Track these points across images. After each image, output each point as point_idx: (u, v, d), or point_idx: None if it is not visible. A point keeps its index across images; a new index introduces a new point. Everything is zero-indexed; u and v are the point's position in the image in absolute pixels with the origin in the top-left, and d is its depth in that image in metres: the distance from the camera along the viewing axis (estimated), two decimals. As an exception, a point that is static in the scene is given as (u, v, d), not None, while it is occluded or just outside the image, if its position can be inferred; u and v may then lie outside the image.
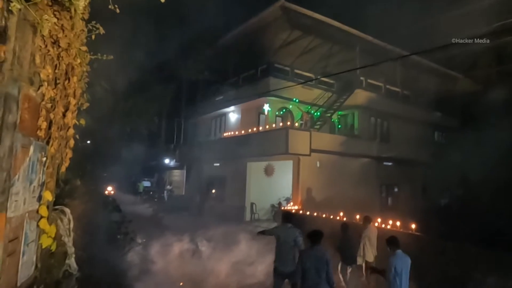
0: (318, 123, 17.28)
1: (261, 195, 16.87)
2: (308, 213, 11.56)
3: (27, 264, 2.94)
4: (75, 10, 2.80)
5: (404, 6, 19.19)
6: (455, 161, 17.05)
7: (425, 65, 19.96)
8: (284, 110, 17.92)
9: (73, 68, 3.45)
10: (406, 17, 19.28)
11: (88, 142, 8.34)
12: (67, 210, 5.05)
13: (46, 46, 2.77)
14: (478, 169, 15.75)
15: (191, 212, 19.06)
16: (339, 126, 19.39)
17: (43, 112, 2.92)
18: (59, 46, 2.98)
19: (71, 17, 2.89)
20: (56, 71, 3.12)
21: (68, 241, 4.80)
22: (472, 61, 20.91)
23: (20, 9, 2.14)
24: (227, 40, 19.36)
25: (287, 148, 13.71)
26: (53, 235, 3.20)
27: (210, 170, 20.35)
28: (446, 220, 13.15)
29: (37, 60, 2.65)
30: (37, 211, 3.06)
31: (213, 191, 19.70)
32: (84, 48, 3.62)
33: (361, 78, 18.48)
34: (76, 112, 3.81)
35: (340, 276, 7.41)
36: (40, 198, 3.11)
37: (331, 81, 18.74)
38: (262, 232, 6.50)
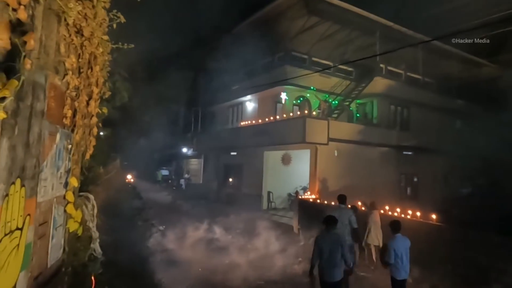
0: (336, 111, 17.02)
1: (278, 184, 16.89)
2: (325, 202, 11.52)
3: (56, 247, 3.06)
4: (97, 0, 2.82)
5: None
6: (478, 150, 16.53)
7: (448, 51, 19.23)
8: (301, 98, 17.73)
9: (95, 57, 3.50)
10: (427, 1, 18.55)
11: (109, 130, 8.52)
12: (91, 197, 5.21)
13: (70, 35, 2.81)
14: (501, 158, 15.26)
15: (208, 200, 19.33)
16: (358, 115, 19.05)
17: (68, 101, 3.00)
18: (82, 35, 3.03)
19: (93, 6, 2.92)
20: (80, 60, 3.18)
21: (93, 226, 4.97)
22: (497, 46, 19.99)
23: (45, -1, 2.17)
24: (243, 27, 19.19)
25: (305, 137, 13.60)
26: (79, 220, 3.32)
27: (227, 159, 20.49)
28: (468, 209, 12.86)
29: (62, 49, 2.71)
30: (64, 197, 3.17)
31: (230, 179, 19.88)
32: (106, 37, 3.66)
33: (381, 65, 17.98)
34: (98, 101, 3.89)
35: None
36: (66, 184, 3.22)
37: (350, 69, 18.35)
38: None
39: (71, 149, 3.24)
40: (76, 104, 3.15)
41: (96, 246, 4.78)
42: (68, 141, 3.18)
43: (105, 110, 4.07)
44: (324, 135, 14.04)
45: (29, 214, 2.29)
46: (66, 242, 3.38)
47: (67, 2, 2.39)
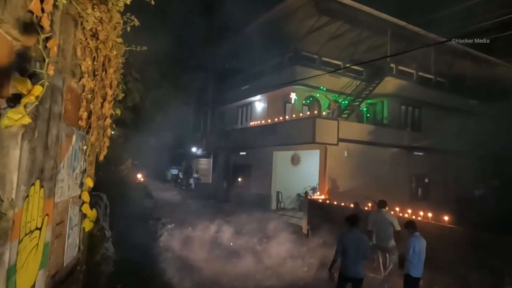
0: (346, 112, 16.92)
1: (287, 184, 16.88)
2: (335, 202, 11.48)
3: (71, 246, 3.13)
4: (112, 3, 2.87)
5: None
6: (491, 150, 16.25)
7: (461, 50, 18.95)
8: (311, 98, 17.68)
9: (109, 59, 3.56)
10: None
11: (120, 130, 8.63)
12: (104, 196, 5.30)
13: (86, 39, 2.87)
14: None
15: (217, 199, 19.42)
16: (368, 115, 18.91)
17: (84, 103, 3.05)
18: (97, 39, 3.08)
19: (108, 10, 2.97)
20: (95, 63, 3.23)
21: (106, 225, 5.06)
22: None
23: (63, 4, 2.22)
24: (253, 28, 19.20)
25: (314, 137, 13.57)
26: (94, 219, 3.38)
27: (236, 159, 20.55)
28: (481, 210, 12.66)
29: (78, 52, 2.76)
30: (80, 197, 3.23)
31: (239, 179, 19.93)
32: (120, 40, 3.72)
33: (392, 65, 17.82)
34: (112, 103, 3.95)
35: None
36: (81, 184, 3.28)
37: (360, 69, 18.22)
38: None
39: (86, 150, 3.31)
40: (91, 106, 3.21)
41: (109, 245, 4.86)
42: (83, 142, 3.25)
43: (118, 111, 4.13)
44: (334, 136, 13.99)
45: (47, 214, 2.35)
46: (81, 241, 3.45)
47: (85, 7, 2.44)
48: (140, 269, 5.45)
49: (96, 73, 3.31)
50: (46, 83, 1.66)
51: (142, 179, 22.15)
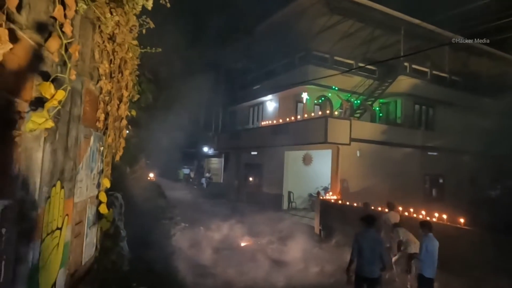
0: (359, 111, 16.76)
1: (298, 184, 16.83)
2: (347, 203, 11.39)
3: (89, 245, 3.19)
4: (130, 6, 2.91)
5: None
6: (508, 150, 15.85)
7: (476, 48, 18.54)
8: (322, 98, 17.57)
9: (125, 62, 3.61)
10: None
11: (134, 130, 8.73)
12: (119, 196, 5.37)
13: (103, 42, 2.92)
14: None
15: (229, 199, 19.50)
16: (381, 114, 18.69)
17: (101, 105, 3.11)
18: (114, 42, 3.13)
19: (125, 13, 3.02)
20: (112, 65, 3.29)
21: (121, 224, 5.14)
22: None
23: (83, 8, 2.27)
24: (264, 27, 19.20)
25: (326, 137, 13.48)
26: (111, 219, 3.44)
27: (247, 158, 20.58)
28: (497, 212, 12.37)
29: (96, 55, 2.82)
30: (97, 197, 3.29)
31: (251, 179, 19.96)
32: (135, 42, 3.77)
33: (405, 63, 17.57)
34: (128, 104, 4.01)
35: None
36: (99, 185, 3.34)
37: (373, 67, 18.02)
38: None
39: (103, 151, 3.37)
40: (108, 107, 3.27)
41: (124, 244, 4.94)
42: (101, 143, 3.31)
43: (133, 112, 4.19)
44: (346, 135, 13.87)
45: (67, 214, 2.40)
46: (98, 240, 3.51)
47: (101, 11, 2.48)
48: (154, 267, 5.52)
49: (113, 75, 3.37)
50: (68, 88, 1.70)
51: (154, 178, 22.40)
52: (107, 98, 3.15)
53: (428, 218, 8.20)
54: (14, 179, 1.60)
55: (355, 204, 10.66)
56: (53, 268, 2.17)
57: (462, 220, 7.62)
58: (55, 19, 1.70)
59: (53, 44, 1.62)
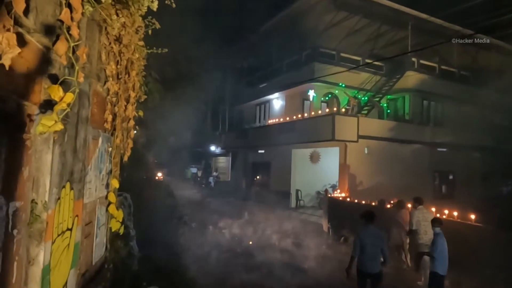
0: (366, 108, 16.64)
1: (306, 181, 16.79)
2: (356, 200, 11.32)
3: (99, 245, 3.22)
4: (135, 7, 2.92)
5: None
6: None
7: (486, 42, 18.23)
8: (329, 95, 17.48)
9: (132, 62, 3.63)
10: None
11: (142, 131, 8.80)
12: (128, 196, 5.43)
13: (110, 43, 2.94)
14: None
15: (237, 197, 19.53)
16: (389, 111, 18.52)
17: (109, 106, 3.13)
18: (121, 43, 3.15)
19: (131, 14, 3.03)
20: (118, 66, 3.30)
21: (130, 224, 5.19)
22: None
23: (89, 10, 2.28)
24: (271, 25, 19.16)
25: (334, 135, 13.42)
26: (120, 219, 3.46)
27: (255, 157, 20.59)
28: (509, 209, 12.17)
29: (103, 57, 2.83)
30: (106, 197, 3.33)
31: (258, 177, 19.96)
32: (141, 43, 3.79)
33: (413, 59, 17.38)
34: (135, 104, 4.03)
35: None
36: (107, 185, 3.37)
37: (380, 64, 17.85)
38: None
39: (111, 152, 3.39)
40: (115, 108, 3.29)
41: (133, 243, 4.99)
42: (109, 144, 3.33)
43: (141, 113, 4.21)
44: (354, 132, 13.79)
45: (77, 215, 2.43)
46: (108, 240, 3.55)
47: (107, 13, 2.50)
48: (164, 266, 5.56)
49: (120, 76, 3.39)
50: (77, 90, 1.71)
51: (162, 178, 22.57)
52: (114, 99, 3.17)
53: (438, 215, 8.11)
54: (25, 181, 1.62)
55: (363, 202, 10.60)
56: (64, 268, 2.19)
57: (473, 217, 7.52)
58: (62, 22, 1.71)
59: (61, 47, 1.63)
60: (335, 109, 15.77)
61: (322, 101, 17.24)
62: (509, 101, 19.15)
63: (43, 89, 1.75)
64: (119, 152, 3.64)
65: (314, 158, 17.28)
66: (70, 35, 1.71)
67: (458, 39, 15.10)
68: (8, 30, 1.31)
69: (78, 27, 2.19)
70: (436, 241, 5.61)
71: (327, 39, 17.22)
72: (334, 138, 13.43)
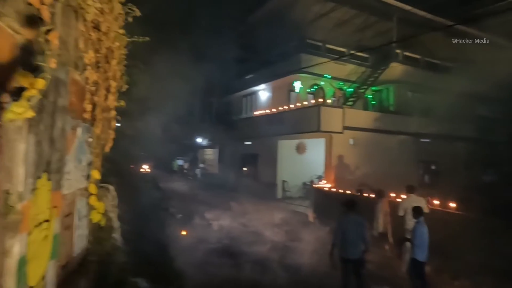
0: (351, 99, 16.77)
1: (293, 173, 16.89)
2: (341, 190, 11.48)
3: (81, 237, 3.18)
4: (113, -6, 2.84)
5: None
6: (502, 135, 16.02)
7: (469, 33, 18.54)
8: (315, 87, 17.53)
9: (112, 51, 3.55)
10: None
11: (127, 122, 8.66)
12: (111, 188, 5.34)
13: (88, 30, 2.86)
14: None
15: (224, 189, 19.53)
16: (374, 102, 18.72)
17: (88, 95, 3.06)
18: (100, 30, 3.07)
19: (109, 1, 2.95)
20: (98, 55, 3.23)
21: (114, 216, 5.12)
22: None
23: (64, -5, 2.21)
24: (258, 16, 19.00)
25: (319, 126, 13.50)
26: (102, 211, 3.42)
27: (242, 149, 20.58)
28: (491, 197, 12.54)
29: (81, 44, 2.75)
30: (87, 189, 3.27)
31: (245, 169, 19.99)
32: (122, 31, 3.70)
33: (397, 50, 17.54)
34: (116, 94, 3.95)
35: None
36: (88, 176, 3.32)
37: (365, 55, 17.96)
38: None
39: (92, 142, 3.33)
40: (95, 98, 3.22)
41: (118, 236, 4.93)
42: (89, 134, 3.27)
43: (122, 103, 4.14)
44: (339, 124, 13.91)
45: (55, 206, 2.38)
46: (90, 232, 3.50)
47: (85, -2, 2.42)
48: (151, 258, 5.54)
49: (99, 65, 3.31)
50: (49, 76, 1.66)
51: (149, 170, 22.37)
52: (93, 88, 3.10)
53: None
54: (-4, 171, 1.57)
55: (348, 192, 10.75)
56: (42, 260, 2.16)
57: (453, 205, 7.72)
58: (32, 5, 1.65)
59: (31, 31, 1.57)
60: (320, 100, 15.83)
61: (308, 93, 17.29)
62: (491, 92, 19.62)
63: (16, 76, 1.69)
64: (100, 143, 3.57)
65: (300, 149, 17.39)
66: (41, 19, 1.65)
67: (440, 30, 15.27)
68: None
69: (53, 13, 2.12)
70: (417, 228, 5.78)
71: (314, 30, 17.19)
72: (319, 129, 13.52)
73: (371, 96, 18.65)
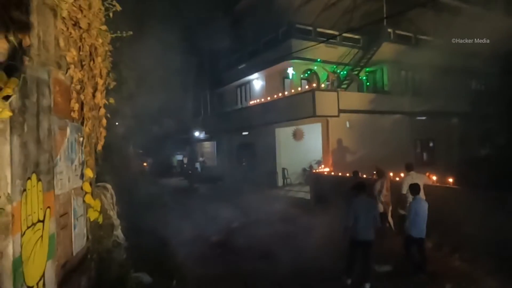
0: (345, 82, 16.69)
1: (292, 159, 16.92)
2: (340, 174, 11.53)
3: (79, 236, 3.19)
4: (90, -11, 2.80)
5: None
6: (495, 109, 16.06)
7: (458, 7, 18.41)
8: (309, 72, 17.42)
9: (96, 48, 3.51)
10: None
11: (120, 120, 8.62)
12: (109, 186, 5.35)
13: (68, 28, 2.82)
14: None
15: (224, 181, 19.60)
16: (368, 84, 18.65)
17: (74, 94, 3.04)
18: (80, 28, 3.03)
19: (87, -3, 2.91)
20: (81, 53, 3.19)
21: (113, 214, 5.14)
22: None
23: (38, -7, 2.17)
24: (246, 3, 18.77)
25: (315, 111, 13.45)
26: (98, 209, 3.43)
27: (239, 139, 20.56)
28: (486, 170, 12.63)
29: (61, 43, 2.72)
30: (81, 188, 3.28)
31: (244, 159, 20.01)
32: (104, 27, 3.65)
33: (389, 30, 17.39)
34: (104, 92, 3.92)
35: None
36: (82, 176, 3.32)
37: (357, 37, 17.81)
38: None
39: (83, 141, 3.32)
40: (82, 97, 3.20)
41: (118, 232, 4.96)
42: (79, 134, 3.26)
43: (112, 100, 4.11)
44: (335, 107, 13.87)
45: (49, 207, 2.39)
46: (89, 230, 3.52)
47: (59, -5, 2.38)
48: (151, 252, 5.59)
49: (84, 63, 3.28)
50: (23, 75, 1.64)
51: (147, 167, 22.36)
52: (79, 87, 3.07)
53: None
54: (-19, 174, 1.57)
55: (347, 175, 10.80)
56: (39, 260, 2.17)
57: (450, 180, 7.78)
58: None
59: (2, 30, 1.55)
60: (314, 85, 15.76)
61: (301, 78, 17.19)
62: (484, 66, 19.56)
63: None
64: (91, 141, 3.56)
65: (298, 135, 17.36)
66: (11, 18, 1.63)
67: (427, 5, 15.13)
68: None
69: (28, 11, 2.09)
70: (411, 205, 5.93)
71: (304, 14, 16.98)
72: (315, 114, 13.48)
73: (365, 78, 18.58)
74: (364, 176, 9.62)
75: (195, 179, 20.12)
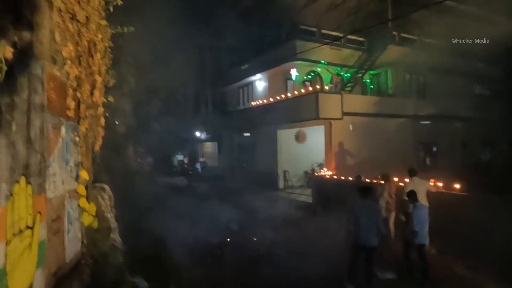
0: (349, 84, 16.52)
1: (293, 162, 16.75)
2: (342, 177, 11.36)
3: (73, 241, 3.03)
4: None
5: None
6: (498, 114, 15.89)
7: (463, 10, 18.22)
8: (312, 74, 17.25)
9: (95, 44, 3.36)
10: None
11: (120, 119, 8.46)
12: (107, 187, 5.18)
13: (64, 22, 2.66)
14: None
15: (225, 181, 19.43)
16: (372, 86, 18.47)
17: (70, 92, 2.88)
18: (78, 21, 2.88)
19: (85, -12, 2.75)
20: (78, 48, 3.03)
21: (111, 217, 4.97)
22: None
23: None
24: (249, 3, 18.62)
25: (318, 113, 13.29)
26: (93, 213, 3.27)
27: (241, 140, 20.40)
28: (489, 175, 12.47)
29: (57, 37, 2.56)
30: (76, 191, 3.12)
31: (246, 160, 19.85)
32: (104, 22, 3.50)
33: (394, 32, 17.22)
34: (103, 90, 3.77)
35: None
36: (78, 177, 3.16)
37: (361, 39, 17.65)
38: None
39: (78, 141, 3.16)
40: (79, 94, 3.04)
41: (115, 236, 4.80)
42: (75, 133, 3.10)
43: (111, 98, 3.96)
44: (338, 110, 13.70)
45: (39, 212, 2.23)
46: (84, 235, 3.36)
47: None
48: (149, 255, 5.43)
49: (81, 59, 3.12)
50: (5, 68, 1.49)
51: (147, 166, 22.18)
52: (75, 84, 2.92)
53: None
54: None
55: (350, 179, 10.62)
56: (26, 269, 2.01)
57: (455, 186, 7.63)
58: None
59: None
60: (318, 87, 15.60)
61: (305, 80, 17.02)
62: (488, 70, 19.40)
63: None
64: (88, 141, 3.41)
65: (300, 138, 17.19)
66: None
67: (433, 7, 14.95)
68: None
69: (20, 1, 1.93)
70: (414, 212, 5.84)
71: (308, 15, 16.80)
72: (318, 116, 13.32)
73: (369, 81, 18.41)
74: (367, 180, 9.46)
75: (195, 179, 19.96)
